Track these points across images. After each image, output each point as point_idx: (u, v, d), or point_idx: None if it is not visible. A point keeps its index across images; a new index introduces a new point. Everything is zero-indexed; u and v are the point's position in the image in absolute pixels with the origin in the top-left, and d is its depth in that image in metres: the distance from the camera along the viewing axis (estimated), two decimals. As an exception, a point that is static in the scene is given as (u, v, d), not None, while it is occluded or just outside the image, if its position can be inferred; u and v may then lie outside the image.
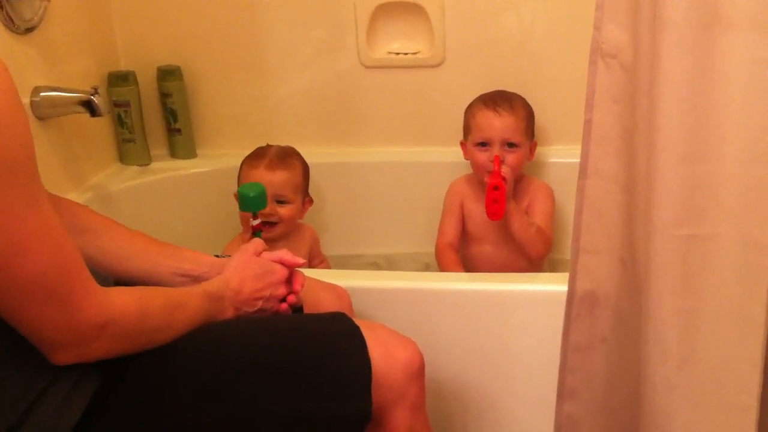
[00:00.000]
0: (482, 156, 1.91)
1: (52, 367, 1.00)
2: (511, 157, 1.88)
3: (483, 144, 1.91)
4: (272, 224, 1.85)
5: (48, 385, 1.01)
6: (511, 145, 1.89)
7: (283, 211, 1.87)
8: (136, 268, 1.25)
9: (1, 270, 0.90)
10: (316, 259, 1.99)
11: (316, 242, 2.01)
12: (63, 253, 0.95)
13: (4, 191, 0.88)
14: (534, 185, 2.01)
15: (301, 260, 1.31)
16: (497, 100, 1.93)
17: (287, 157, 1.91)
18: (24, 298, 0.92)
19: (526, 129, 1.93)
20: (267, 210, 1.78)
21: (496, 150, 1.88)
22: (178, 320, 1.11)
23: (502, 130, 1.89)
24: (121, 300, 1.02)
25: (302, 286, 1.31)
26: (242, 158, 1.95)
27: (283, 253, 1.31)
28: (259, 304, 1.25)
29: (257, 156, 1.91)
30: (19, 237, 0.90)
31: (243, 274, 1.24)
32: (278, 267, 1.29)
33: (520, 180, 1.97)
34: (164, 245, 1.30)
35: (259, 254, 1.30)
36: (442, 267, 1.98)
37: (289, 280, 1.30)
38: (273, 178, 1.85)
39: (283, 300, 1.28)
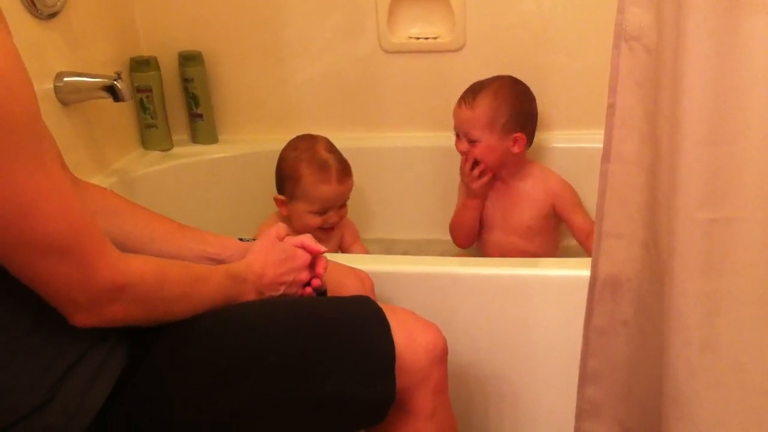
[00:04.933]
0: (457, 143, 1.96)
1: (77, 345, 1.01)
2: (474, 152, 1.90)
3: (457, 134, 1.95)
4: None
5: (74, 364, 1.02)
6: (471, 139, 1.91)
7: (343, 212, 1.94)
8: (160, 251, 1.25)
9: (12, 230, 0.90)
10: (356, 244, 2.04)
11: (352, 230, 2.05)
12: (74, 213, 0.94)
13: (7, 153, 0.87)
14: (547, 180, 1.99)
15: (323, 248, 1.31)
16: (466, 92, 1.93)
17: (346, 165, 1.92)
18: (37, 258, 0.92)
19: (487, 124, 1.88)
20: (335, 217, 1.90)
21: (462, 143, 1.92)
22: (199, 292, 1.11)
23: (460, 124, 1.92)
24: (139, 264, 1.03)
25: (325, 269, 1.31)
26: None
27: (306, 239, 1.31)
28: (282, 288, 1.25)
29: (323, 170, 1.88)
30: (27, 197, 0.90)
31: (266, 258, 1.24)
32: (300, 252, 1.29)
33: (518, 169, 1.97)
34: (188, 229, 1.31)
35: (281, 239, 1.30)
36: (454, 230, 2.04)
37: (312, 265, 1.30)
38: (343, 188, 1.90)
39: (307, 284, 1.29)
